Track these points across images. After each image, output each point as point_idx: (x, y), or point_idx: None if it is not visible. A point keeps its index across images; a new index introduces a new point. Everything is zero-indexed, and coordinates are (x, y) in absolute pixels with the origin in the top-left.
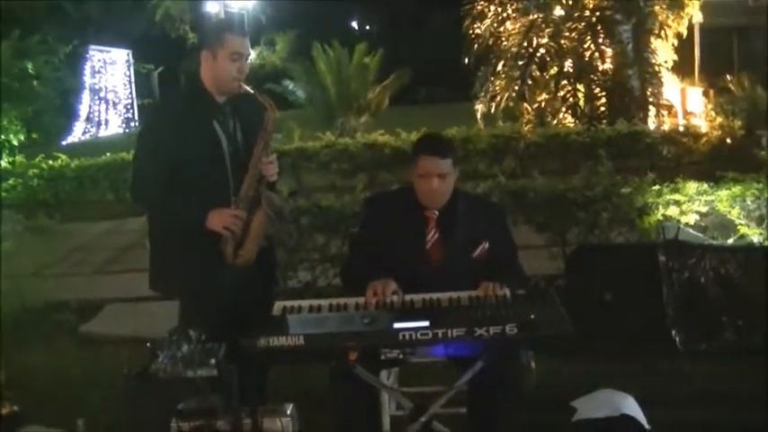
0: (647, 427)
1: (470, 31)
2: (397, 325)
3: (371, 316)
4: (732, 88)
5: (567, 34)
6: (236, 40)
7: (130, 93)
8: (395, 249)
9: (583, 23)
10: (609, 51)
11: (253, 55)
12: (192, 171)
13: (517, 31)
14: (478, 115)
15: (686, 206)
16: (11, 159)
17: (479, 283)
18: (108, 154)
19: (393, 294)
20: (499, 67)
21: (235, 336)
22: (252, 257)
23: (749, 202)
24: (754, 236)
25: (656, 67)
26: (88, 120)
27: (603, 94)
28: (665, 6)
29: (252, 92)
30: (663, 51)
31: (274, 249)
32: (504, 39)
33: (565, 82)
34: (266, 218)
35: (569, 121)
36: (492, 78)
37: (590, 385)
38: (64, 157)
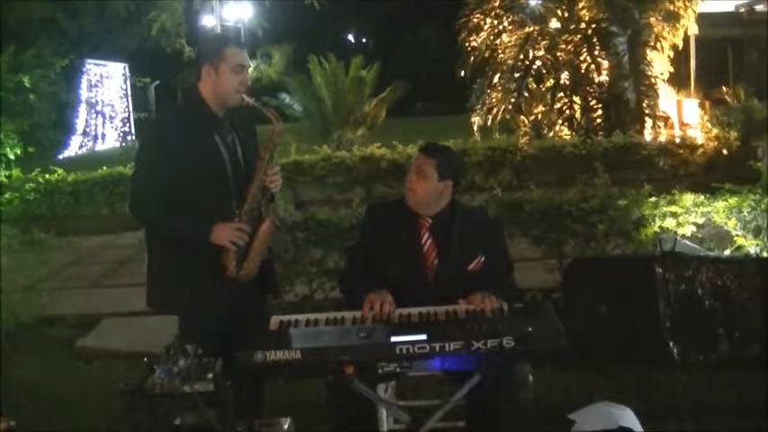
0: None
1: (466, 44)
2: (394, 339)
3: (368, 330)
4: (728, 99)
5: (563, 46)
6: (238, 53)
7: (127, 106)
8: (391, 255)
9: (579, 36)
10: (605, 63)
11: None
12: (194, 185)
13: (513, 43)
14: (475, 128)
15: (683, 218)
16: (7, 173)
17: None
18: (104, 168)
19: (387, 305)
20: (495, 80)
21: (235, 349)
22: (255, 271)
23: (746, 214)
24: (751, 247)
25: (652, 79)
26: (84, 133)
27: (600, 106)
28: (660, 18)
29: (256, 104)
30: (659, 63)
31: (273, 262)
32: (500, 51)
33: (561, 94)
34: (270, 230)
35: (565, 133)
36: (488, 91)
37: (587, 398)
38: (60, 170)
